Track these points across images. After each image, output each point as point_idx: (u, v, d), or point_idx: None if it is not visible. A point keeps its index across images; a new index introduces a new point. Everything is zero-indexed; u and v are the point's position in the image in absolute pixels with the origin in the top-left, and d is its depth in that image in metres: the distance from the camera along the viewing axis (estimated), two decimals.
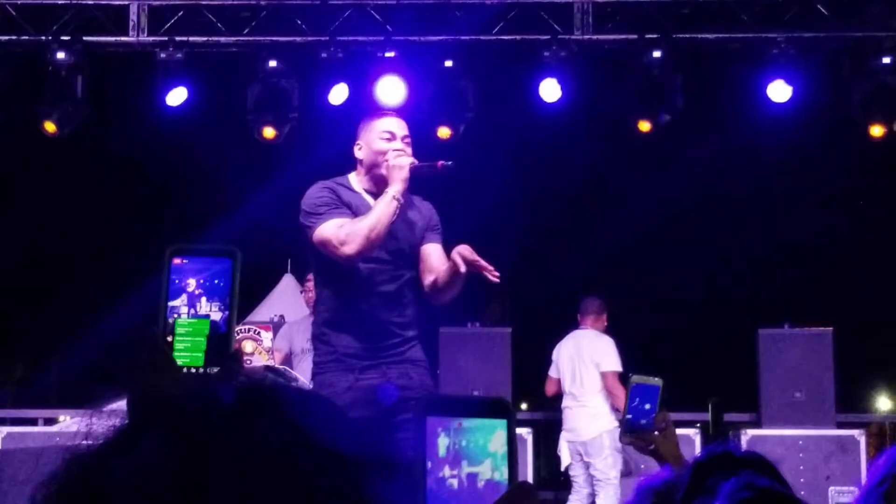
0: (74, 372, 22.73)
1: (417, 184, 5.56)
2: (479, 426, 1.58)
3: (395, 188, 5.38)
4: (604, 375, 10.09)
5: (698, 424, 10.98)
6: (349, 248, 5.33)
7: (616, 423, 9.73)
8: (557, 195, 12.09)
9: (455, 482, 1.57)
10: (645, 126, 10.54)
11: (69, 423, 11.49)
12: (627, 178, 12.48)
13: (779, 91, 10.50)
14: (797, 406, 10.74)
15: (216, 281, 2.16)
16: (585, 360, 10.18)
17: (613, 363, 10.12)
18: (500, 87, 10.84)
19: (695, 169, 12.62)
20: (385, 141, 5.51)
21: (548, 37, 10.55)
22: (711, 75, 10.97)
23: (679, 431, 10.34)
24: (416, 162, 5.45)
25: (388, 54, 10.52)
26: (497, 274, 5.24)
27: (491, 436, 1.59)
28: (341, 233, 5.36)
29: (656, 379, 3.51)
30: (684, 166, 12.54)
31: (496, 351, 10.56)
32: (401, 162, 5.42)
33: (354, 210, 5.45)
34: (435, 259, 5.56)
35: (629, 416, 3.47)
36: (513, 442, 1.61)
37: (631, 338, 10.31)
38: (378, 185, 5.49)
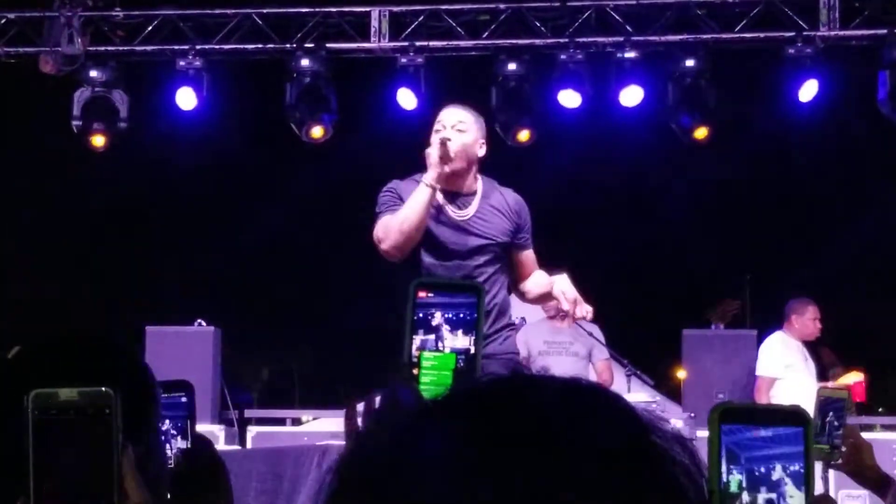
0: (315, 374, 23.35)
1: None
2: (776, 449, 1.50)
3: (428, 175, 5.15)
4: None
5: None
6: (385, 244, 5.17)
7: None
8: (803, 196, 11.79)
9: None
10: None
11: (314, 423, 11.76)
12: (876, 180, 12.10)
13: None
14: None
15: (462, 315, 2.15)
16: None
17: None
18: (743, 85, 10.60)
19: None
20: (435, 132, 5.27)
21: (792, 33, 10.30)
22: None
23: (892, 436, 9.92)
24: (451, 143, 5.17)
25: (628, 55, 10.43)
26: (587, 313, 5.07)
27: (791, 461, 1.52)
28: (379, 229, 5.22)
29: (842, 391, 3.42)
30: None
31: (741, 353, 10.29)
32: (431, 149, 5.18)
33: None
34: (527, 271, 5.32)
35: (819, 433, 3.31)
36: (809, 457, 1.54)
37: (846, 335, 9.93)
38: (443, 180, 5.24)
